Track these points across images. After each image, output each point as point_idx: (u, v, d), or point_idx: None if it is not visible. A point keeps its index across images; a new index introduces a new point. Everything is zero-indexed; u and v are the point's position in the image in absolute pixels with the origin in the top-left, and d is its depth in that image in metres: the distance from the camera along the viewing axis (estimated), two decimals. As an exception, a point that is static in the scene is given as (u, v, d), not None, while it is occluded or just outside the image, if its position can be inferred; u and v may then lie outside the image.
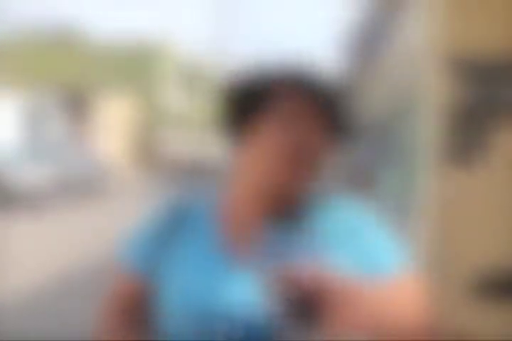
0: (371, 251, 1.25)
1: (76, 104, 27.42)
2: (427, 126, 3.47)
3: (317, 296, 1.05)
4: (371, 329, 1.09)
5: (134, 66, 32.04)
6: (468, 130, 3.24)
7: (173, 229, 1.32)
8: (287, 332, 1.11)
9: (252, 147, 1.25)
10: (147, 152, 30.81)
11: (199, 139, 31.01)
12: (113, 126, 28.99)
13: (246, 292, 1.22)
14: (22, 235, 10.57)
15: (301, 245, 1.13)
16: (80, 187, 18.37)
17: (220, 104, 1.30)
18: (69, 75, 31.07)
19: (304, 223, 1.25)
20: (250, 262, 1.22)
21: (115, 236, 1.46)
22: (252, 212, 1.28)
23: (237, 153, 1.28)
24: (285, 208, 1.26)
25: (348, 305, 1.06)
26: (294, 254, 1.09)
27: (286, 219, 1.23)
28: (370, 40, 8.70)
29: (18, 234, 10.48)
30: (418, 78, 3.91)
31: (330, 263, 1.12)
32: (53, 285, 7.23)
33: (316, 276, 1.06)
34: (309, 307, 1.05)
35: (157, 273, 1.30)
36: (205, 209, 1.33)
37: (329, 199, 1.32)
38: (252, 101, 1.26)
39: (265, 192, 1.26)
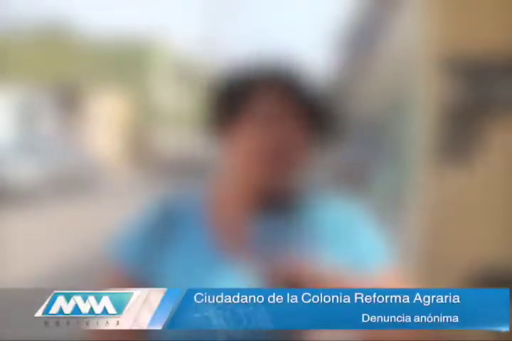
0: (358, 250, 1.25)
1: (68, 101, 27.35)
2: (423, 126, 3.48)
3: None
4: None
5: (127, 63, 32.00)
6: (465, 130, 3.25)
7: (164, 226, 1.32)
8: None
9: (231, 147, 1.26)
10: (139, 149, 30.78)
11: (190, 137, 30.99)
12: (105, 122, 28.94)
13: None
14: (14, 231, 10.55)
15: (290, 240, 1.14)
16: (73, 183, 18.33)
17: (203, 104, 1.31)
18: (61, 72, 31.02)
19: (293, 220, 1.26)
20: (242, 258, 1.23)
21: (106, 233, 1.46)
22: (241, 209, 1.28)
23: (221, 151, 1.29)
24: (273, 205, 1.27)
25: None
26: (283, 249, 1.10)
27: (275, 216, 1.24)
28: (363, 39, 8.71)
29: (11, 230, 10.46)
30: (415, 78, 3.92)
31: (316, 257, 1.13)
32: (47, 282, 7.22)
33: (298, 269, 1.08)
34: None
35: (148, 271, 1.29)
36: (196, 206, 1.33)
37: (320, 198, 1.32)
38: (230, 102, 1.26)
39: (249, 191, 1.27)
